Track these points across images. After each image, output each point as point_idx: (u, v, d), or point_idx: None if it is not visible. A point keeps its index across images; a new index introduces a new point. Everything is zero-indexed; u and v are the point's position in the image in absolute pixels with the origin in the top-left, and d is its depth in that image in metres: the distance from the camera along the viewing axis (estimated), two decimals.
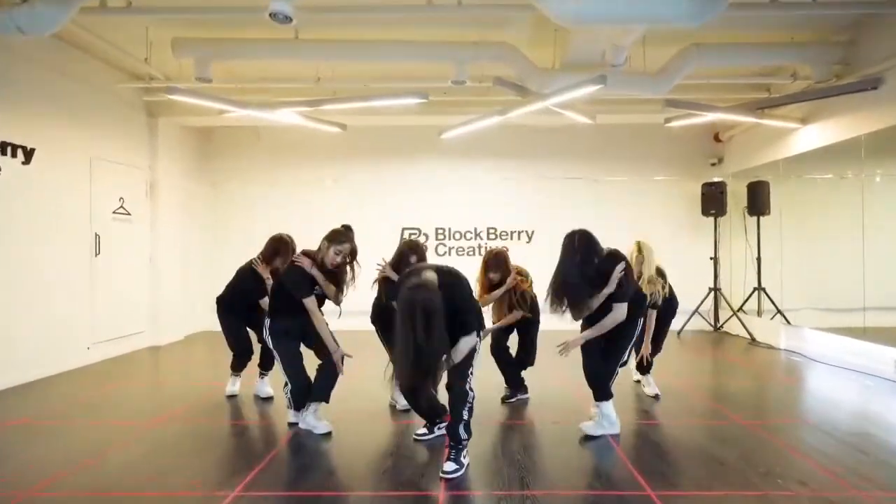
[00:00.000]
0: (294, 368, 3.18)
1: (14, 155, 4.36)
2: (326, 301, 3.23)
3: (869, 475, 2.57)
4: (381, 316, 3.53)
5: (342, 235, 3.18)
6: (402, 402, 3.53)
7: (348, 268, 3.19)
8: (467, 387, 2.62)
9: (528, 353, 3.87)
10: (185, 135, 6.83)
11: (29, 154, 4.49)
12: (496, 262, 3.69)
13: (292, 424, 3.26)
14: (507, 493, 2.39)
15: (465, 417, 2.62)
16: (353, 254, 3.21)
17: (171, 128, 6.44)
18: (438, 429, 3.04)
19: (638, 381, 4.18)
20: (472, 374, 2.64)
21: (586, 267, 2.99)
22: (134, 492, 2.42)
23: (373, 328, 3.66)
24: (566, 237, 3.13)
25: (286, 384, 3.19)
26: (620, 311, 3.01)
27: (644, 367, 3.97)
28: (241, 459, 2.79)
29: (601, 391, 3.11)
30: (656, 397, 3.88)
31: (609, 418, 3.11)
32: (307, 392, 3.18)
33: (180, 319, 6.58)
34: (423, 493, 2.40)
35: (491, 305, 3.76)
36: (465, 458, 2.63)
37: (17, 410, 3.68)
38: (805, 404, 3.97)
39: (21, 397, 4.01)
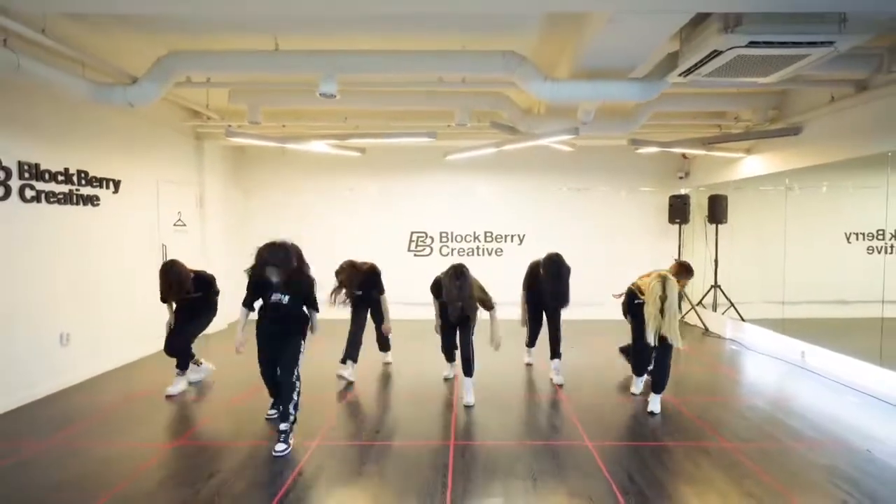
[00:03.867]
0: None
1: (108, 187, 5.48)
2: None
3: (741, 434, 3.81)
4: None
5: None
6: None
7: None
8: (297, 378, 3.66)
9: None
10: (224, 152, 7.92)
11: (117, 185, 5.62)
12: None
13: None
14: (496, 442, 3.62)
15: (295, 399, 3.63)
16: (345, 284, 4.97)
17: (214, 148, 7.53)
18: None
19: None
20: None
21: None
22: (250, 441, 3.64)
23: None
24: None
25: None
26: None
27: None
28: (315, 419, 4.01)
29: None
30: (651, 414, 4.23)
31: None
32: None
33: (223, 311, 7.75)
34: (440, 443, 3.63)
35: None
36: (291, 438, 3.58)
37: (128, 386, 4.89)
38: (724, 385, 5.19)
39: (119, 378, 5.23)
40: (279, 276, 3.67)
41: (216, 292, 5.01)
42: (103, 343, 5.40)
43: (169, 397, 4.63)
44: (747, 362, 5.91)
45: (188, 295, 4.72)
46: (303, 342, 3.79)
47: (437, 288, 4.69)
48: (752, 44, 3.40)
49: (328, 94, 4.43)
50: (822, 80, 4.87)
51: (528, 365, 5.62)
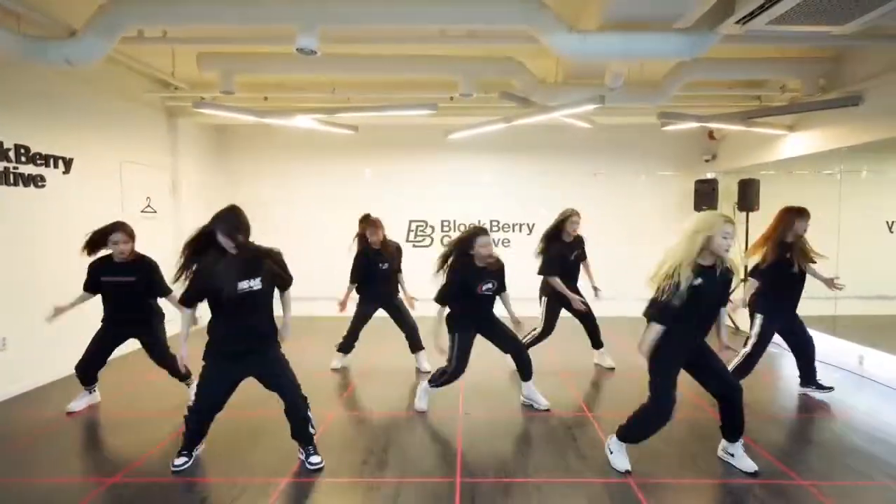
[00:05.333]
0: None
1: (56, 166, 4.71)
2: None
3: (816, 467, 3.07)
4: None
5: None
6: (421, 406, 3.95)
7: None
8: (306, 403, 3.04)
9: None
10: (202, 132, 7.14)
11: (68, 164, 4.85)
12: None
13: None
14: (512, 480, 2.88)
15: (311, 417, 3.06)
16: None
17: (189, 127, 6.75)
18: (197, 450, 3.08)
19: None
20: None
21: None
22: (202, 478, 2.91)
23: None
24: None
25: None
26: None
27: None
28: (286, 448, 3.25)
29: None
30: None
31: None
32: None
33: (202, 307, 7.01)
34: (443, 479, 2.89)
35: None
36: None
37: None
38: (774, 398, 4.45)
39: (63, 390, 4.47)
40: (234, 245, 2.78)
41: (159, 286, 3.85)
42: (47, 349, 4.63)
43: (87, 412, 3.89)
44: (792, 368, 5.14)
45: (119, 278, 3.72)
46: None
47: (465, 265, 3.61)
48: None
49: (307, 49, 3.65)
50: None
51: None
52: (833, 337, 5.27)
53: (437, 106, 5.20)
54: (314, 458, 3.01)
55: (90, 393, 4.03)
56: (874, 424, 3.73)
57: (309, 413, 3.03)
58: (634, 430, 2.95)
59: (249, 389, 3.05)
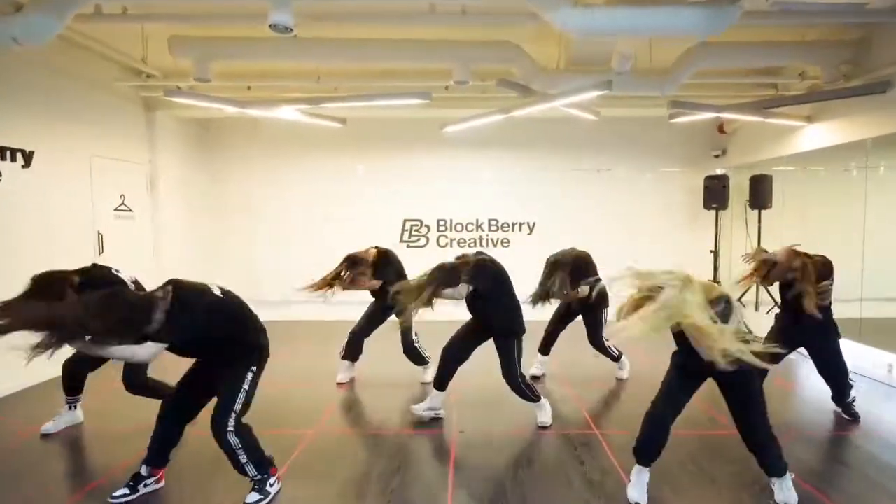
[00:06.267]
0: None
1: (14, 159, 4.33)
2: None
3: (855, 493, 2.68)
4: None
5: None
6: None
7: None
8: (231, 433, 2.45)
9: None
10: (183, 126, 6.76)
11: (28, 157, 4.46)
12: None
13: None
14: None
15: (244, 460, 2.50)
16: None
17: (168, 120, 6.36)
18: (145, 486, 2.64)
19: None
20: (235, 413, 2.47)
21: None
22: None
23: None
24: None
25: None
26: None
27: None
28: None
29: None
30: None
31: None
32: None
33: None
34: None
35: None
36: (270, 486, 2.58)
37: (35, 416, 3.74)
38: (796, 410, 4.07)
39: (29, 401, 4.09)
40: None
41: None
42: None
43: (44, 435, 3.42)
44: (811, 376, 4.75)
45: None
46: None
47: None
48: None
49: (281, 25, 3.29)
50: None
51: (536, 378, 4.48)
52: (859, 344, 4.88)
53: (431, 95, 4.82)
54: (251, 497, 2.51)
55: (71, 409, 3.54)
56: None
57: (239, 452, 2.48)
58: None
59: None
